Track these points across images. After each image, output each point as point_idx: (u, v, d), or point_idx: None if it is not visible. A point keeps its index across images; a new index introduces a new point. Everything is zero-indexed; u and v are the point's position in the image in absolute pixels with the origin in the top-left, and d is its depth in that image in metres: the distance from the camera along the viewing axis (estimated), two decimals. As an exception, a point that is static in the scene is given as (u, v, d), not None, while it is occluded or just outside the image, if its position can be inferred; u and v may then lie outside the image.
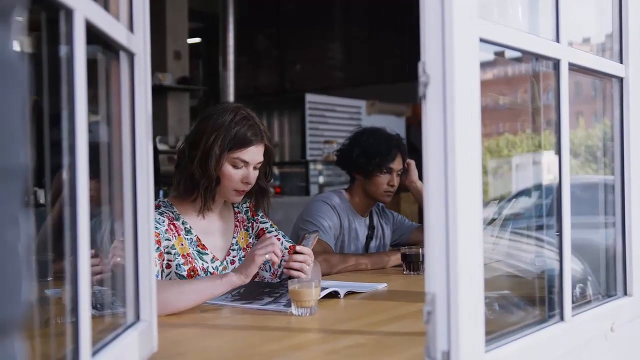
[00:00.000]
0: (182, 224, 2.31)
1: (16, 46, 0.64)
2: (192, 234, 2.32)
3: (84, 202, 1.06)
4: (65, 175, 1.06)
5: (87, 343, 1.06)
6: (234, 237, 2.44)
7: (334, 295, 2.20)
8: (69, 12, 1.03)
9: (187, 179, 2.30)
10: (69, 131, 1.05)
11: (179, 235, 2.28)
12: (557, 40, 1.59)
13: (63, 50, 1.06)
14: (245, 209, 2.52)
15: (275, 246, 2.10)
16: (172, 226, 2.26)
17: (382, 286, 2.45)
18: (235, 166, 2.28)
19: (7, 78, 0.61)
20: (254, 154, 2.31)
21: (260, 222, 2.52)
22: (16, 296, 0.62)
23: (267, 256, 2.07)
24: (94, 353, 1.13)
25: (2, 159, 0.60)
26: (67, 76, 1.05)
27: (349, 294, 2.27)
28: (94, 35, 1.16)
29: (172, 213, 2.31)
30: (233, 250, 2.42)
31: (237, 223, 2.47)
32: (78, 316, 1.04)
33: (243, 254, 2.43)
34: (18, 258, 0.62)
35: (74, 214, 1.04)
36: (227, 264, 2.38)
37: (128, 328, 1.38)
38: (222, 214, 2.43)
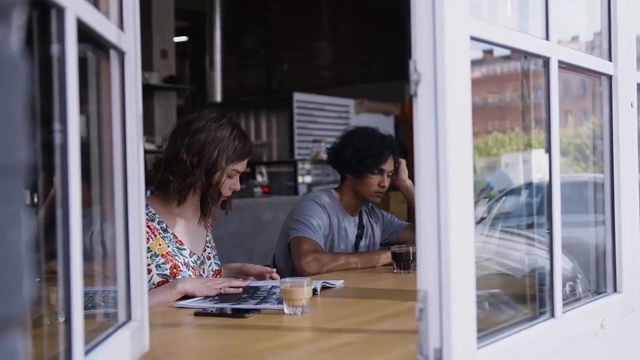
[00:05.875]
0: (158, 223, 2.39)
1: (16, 45, 0.64)
2: (169, 232, 2.40)
3: (76, 201, 1.05)
4: (53, 175, 1.06)
5: (80, 342, 1.05)
6: (207, 236, 2.57)
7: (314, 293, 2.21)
8: (61, 11, 1.03)
9: (188, 188, 2.37)
10: (60, 131, 1.04)
11: (155, 236, 2.35)
12: (547, 38, 1.60)
13: (54, 48, 1.05)
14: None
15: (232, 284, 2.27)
16: (147, 228, 2.28)
17: (339, 283, 2.48)
18: (229, 176, 2.41)
19: (8, 77, 0.61)
20: (246, 164, 2.48)
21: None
22: (18, 293, 0.63)
23: (221, 291, 2.22)
24: (86, 352, 1.13)
25: (5, 156, 0.61)
26: (59, 75, 1.04)
27: (324, 288, 2.34)
28: (84, 34, 1.15)
29: (147, 214, 2.35)
30: (208, 247, 2.55)
31: (208, 224, 2.60)
32: (71, 316, 1.04)
33: (215, 252, 2.58)
34: (20, 255, 0.63)
35: (66, 214, 1.04)
36: (204, 258, 2.50)
37: (120, 327, 1.38)
38: (195, 215, 2.50)
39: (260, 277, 2.53)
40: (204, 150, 2.35)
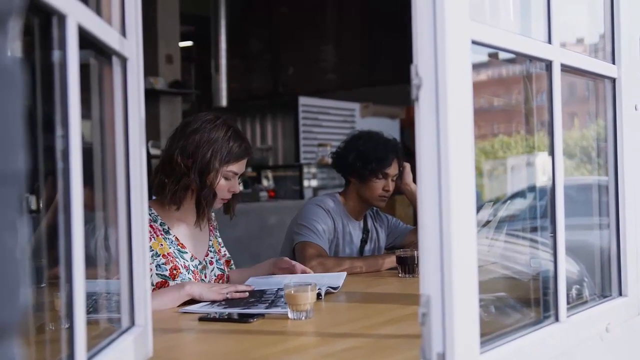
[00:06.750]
0: (160, 225, 2.40)
1: (13, 52, 0.65)
2: (170, 234, 2.40)
3: (78, 207, 1.05)
4: (58, 181, 1.06)
5: (82, 349, 1.06)
6: (210, 240, 2.56)
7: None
8: (62, 18, 1.03)
9: (183, 190, 2.37)
10: (62, 136, 1.04)
11: (157, 236, 2.36)
12: (549, 41, 1.59)
13: (56, 55, 1.06)
14: (213, 217, 2.66)
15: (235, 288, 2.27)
16: (149, 228, 2.29)
17: (343, 276, 2.53)
18: (226, 178, 2.41)
19: (5, 84, 0.61)
20: (244, 165, 2.46)
21: (219, 237, 2.66)
22: (15, 300, 0.63)
23: (228, 295, 2.21)
24: (89, 358, 1.13)
25: (2, 164, 0.61)
26: (60, 81, 1.05)
27: (328, 293, 2.33)
28: (86, 40, 1.16)
29: (150, 215, 2.35)
30: (211, 251, 2.54)
31: (211, 228, 2.60)
32: (73, 322, 1.04)
33: (218, 257, 2.57)
34: (16, 262, 0.63)
35: (68, 220, 1.04)
36: (206, 263, 2.50)
37: (123, 333, 1.38)
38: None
39: (290, 271, 2.55)
40: (197, 151, 2.35)
